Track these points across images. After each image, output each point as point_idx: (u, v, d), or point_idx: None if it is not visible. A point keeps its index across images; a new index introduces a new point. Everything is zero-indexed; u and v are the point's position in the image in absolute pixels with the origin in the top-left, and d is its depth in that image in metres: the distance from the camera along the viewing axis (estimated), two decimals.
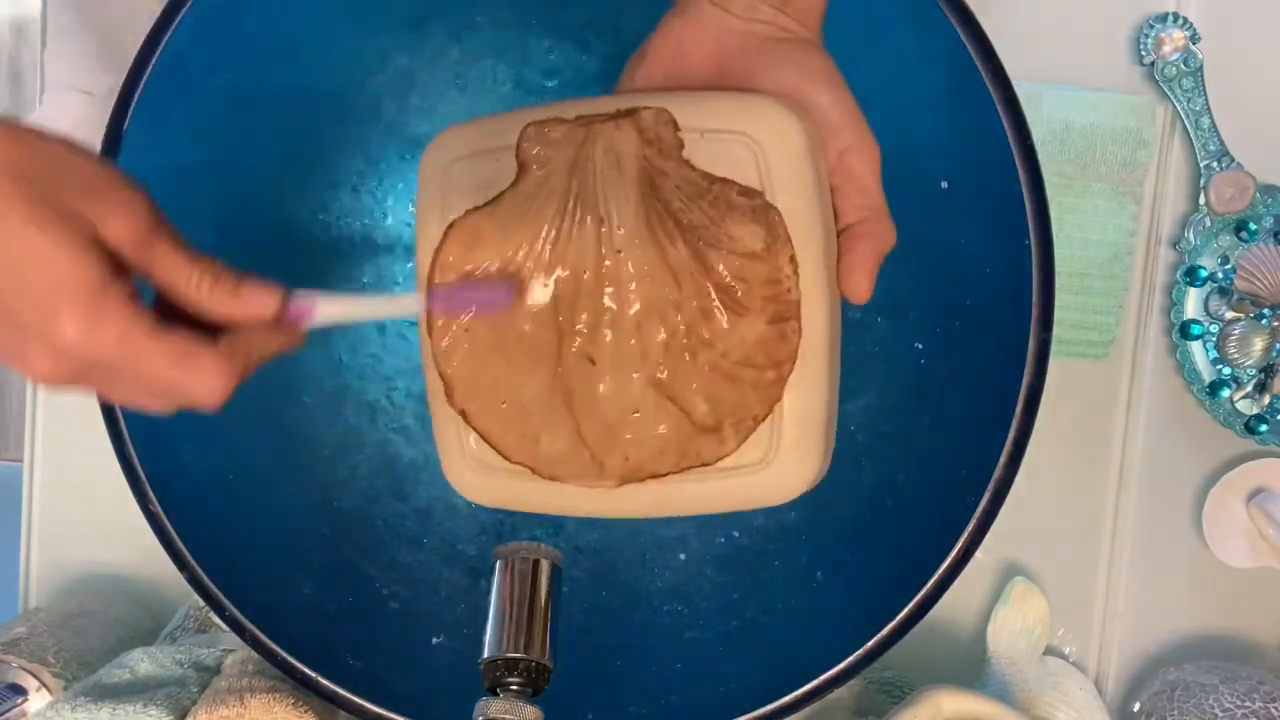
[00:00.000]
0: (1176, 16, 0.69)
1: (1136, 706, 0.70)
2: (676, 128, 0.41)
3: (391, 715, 0.59)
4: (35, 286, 0.36)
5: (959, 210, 0.60)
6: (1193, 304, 0.70)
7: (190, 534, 0.59)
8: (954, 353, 0.61)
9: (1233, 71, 0.70)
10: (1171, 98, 0.70)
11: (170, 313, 0.39)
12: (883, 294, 0.64)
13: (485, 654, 0.43)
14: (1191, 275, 0.70)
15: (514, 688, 0.43)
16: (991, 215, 0.59)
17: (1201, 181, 0.70)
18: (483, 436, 0.44)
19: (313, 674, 0.59)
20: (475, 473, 0.45)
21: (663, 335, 0.41)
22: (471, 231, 0.42)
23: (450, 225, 0.43)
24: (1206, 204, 0.70)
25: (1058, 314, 0.57)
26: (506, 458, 0.44)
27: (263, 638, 0.59)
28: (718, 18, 0.44)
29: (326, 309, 0.41)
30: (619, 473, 0.42)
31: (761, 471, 0.42)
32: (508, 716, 0.42)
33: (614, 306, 0.41)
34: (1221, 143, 0.69)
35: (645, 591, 0.65)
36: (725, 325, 0.41)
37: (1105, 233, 0.70)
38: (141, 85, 0.58)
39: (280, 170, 0.64)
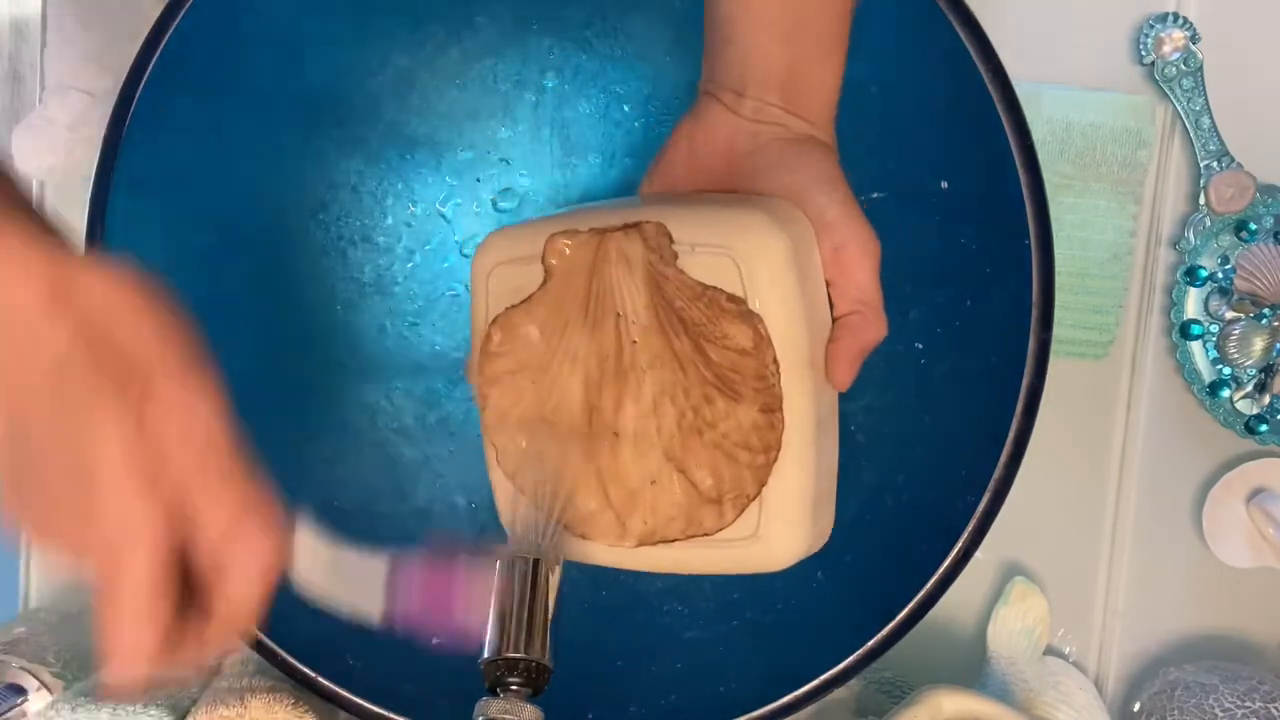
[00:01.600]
0: (1176, 16, 0.69)
1: (1136, 706, 0.70)
2: (671, 240, 0.46)
3: (391, 715, 0.59)
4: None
5: (959, 210, 0.60)
6: (1193, 304, 0.70)
7: None
8: (954, 353, 0.61)
9: (1233, 71, 0.70)
10: (1171, 98, 0.70)
11: None
12: (883, 293, 0.64)
13: (485, 654, 0.43)
14: (1191, 275, 0.70)
15: (514, 688, 0.43)
16: (991, 215, 0.59)
17: (1201, 181, 0.70)
18: (499, 461, 0.50)
19: (313, 674, 0.59)
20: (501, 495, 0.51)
21: (674, 414, 0.47)
22: (510, 326, 0.49)
23: (494, 321, 0.49)
24: (1206, 204, 0.70)
25: (1058, 314, 0.57)
26: (546, 515, 0.49)
27: (263, 638, 0.59)
28: (727, 119, 0.47)
29: (301, 559, 0.41)
30: (638, 534, 0.48)
31: (752, 544, 0.47)
32: (508, 716, 0.42)
33: (635, 385, 0.47)
34: (1221, 143, 0.69)
35: (645, 591, 0.65)
36: (724, 409, 0.46)
37: (1105, 233, 0.70)
38: (141, 85, 0.58)
39: (280, 170, 0.64)
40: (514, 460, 0.50)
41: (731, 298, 0.46)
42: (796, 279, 0.46)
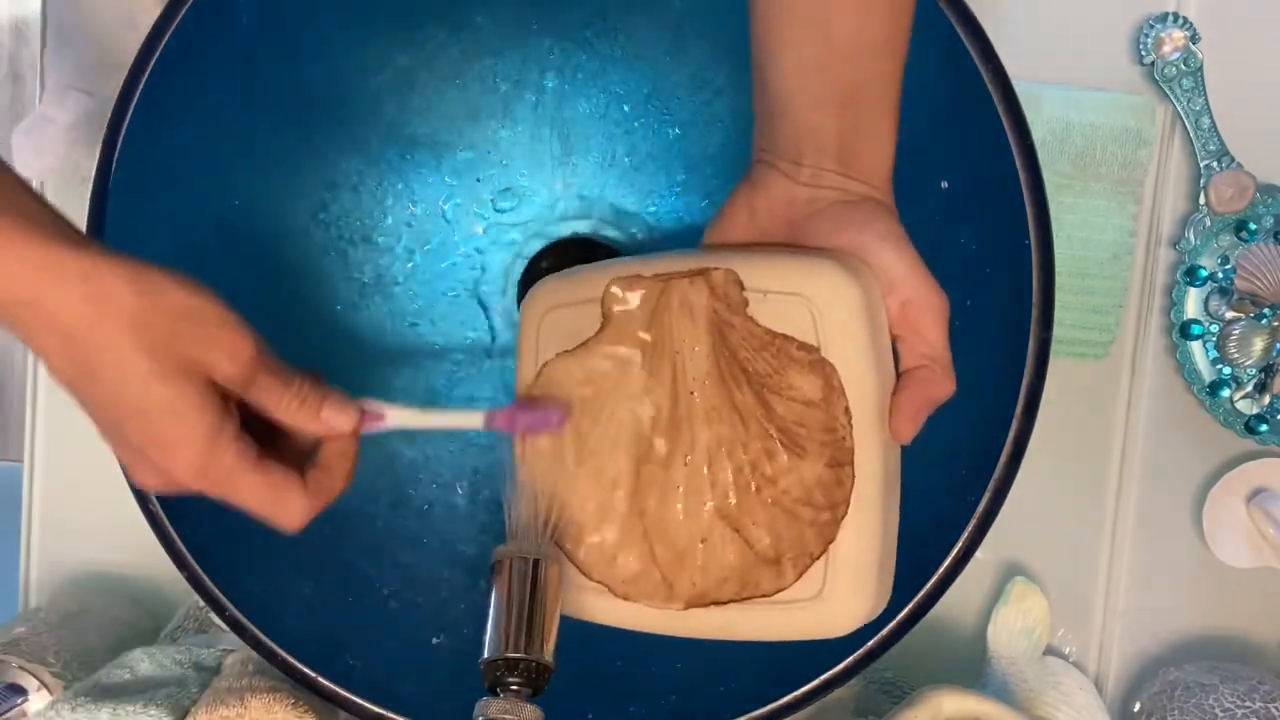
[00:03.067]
0: (1176, 16, 0.69)
1: (1136, 706, 0.70)
2: (742, 287, 0.45)
3: (391, 715, 0.59)
4: (154, 431, 0.41)
5: (959, 210, 0.60)
6: (1193, 304, 0.70)
7: (190, 534, 0.59)
8: (954, 353, 0.61)
9: (1233, 71, 0.70)
10: (1171, 98, 0.70)
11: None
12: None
13: (485, 654, 0.43)
14: (1191, 275, 0.70)
15: (514, 688, 0.43)
16: (991, 215, 0.59)
17: (1201, 181, 0.70)
18: (565, 554, 0.48)
19: (313, 674, 0.59)
20: (576, 590, 0.49)
21: (730, 469, 0.45)
22: (561, 372, 0.48)
23: (543, 366, 0.48)
24: (1206, 204, 0.70)
25: (1058, 314, 0.57)
26: (586, 575, 0.48)
27: (263, 638, 0.59)
28: (786, 186, 0.47)
29: (395, 418, 0.46)
30: (686, 596, 0.46)
31: (815, 607, 0.45)
32: (508, 716, 0.42)
33: (689, 439, 0.45)
34: (1221, 143, 0.69)
35: None
36: (786, 464, 0.44)
37: (1105, 233, 0.70)
38: (141, 85, 0.58)
39: (280, 170, 0.64)
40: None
41: (803, 345, 0.44)
42: (869, 329, 0.45)
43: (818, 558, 0.44)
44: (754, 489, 0.45)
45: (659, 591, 0.46)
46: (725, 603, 0.45)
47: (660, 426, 0.46)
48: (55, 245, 0.38)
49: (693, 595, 0.46)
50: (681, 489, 0.45)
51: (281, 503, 0.44)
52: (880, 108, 0.46)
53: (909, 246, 0.46)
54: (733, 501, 0.45)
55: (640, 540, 0.46)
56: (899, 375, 0.46)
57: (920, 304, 0.46)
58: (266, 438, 0.44)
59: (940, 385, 0.46)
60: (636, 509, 0.46)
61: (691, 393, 0.45)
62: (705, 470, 0.45)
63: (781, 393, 0.44)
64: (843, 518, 0.44)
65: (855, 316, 0.44)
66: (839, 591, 0.44)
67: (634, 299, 0.46)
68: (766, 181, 0.47)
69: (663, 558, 0.46)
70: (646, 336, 0.46)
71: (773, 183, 0.47)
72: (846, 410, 0.44)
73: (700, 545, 0.45)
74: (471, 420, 0.47)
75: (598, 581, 0.47)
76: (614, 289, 0.47)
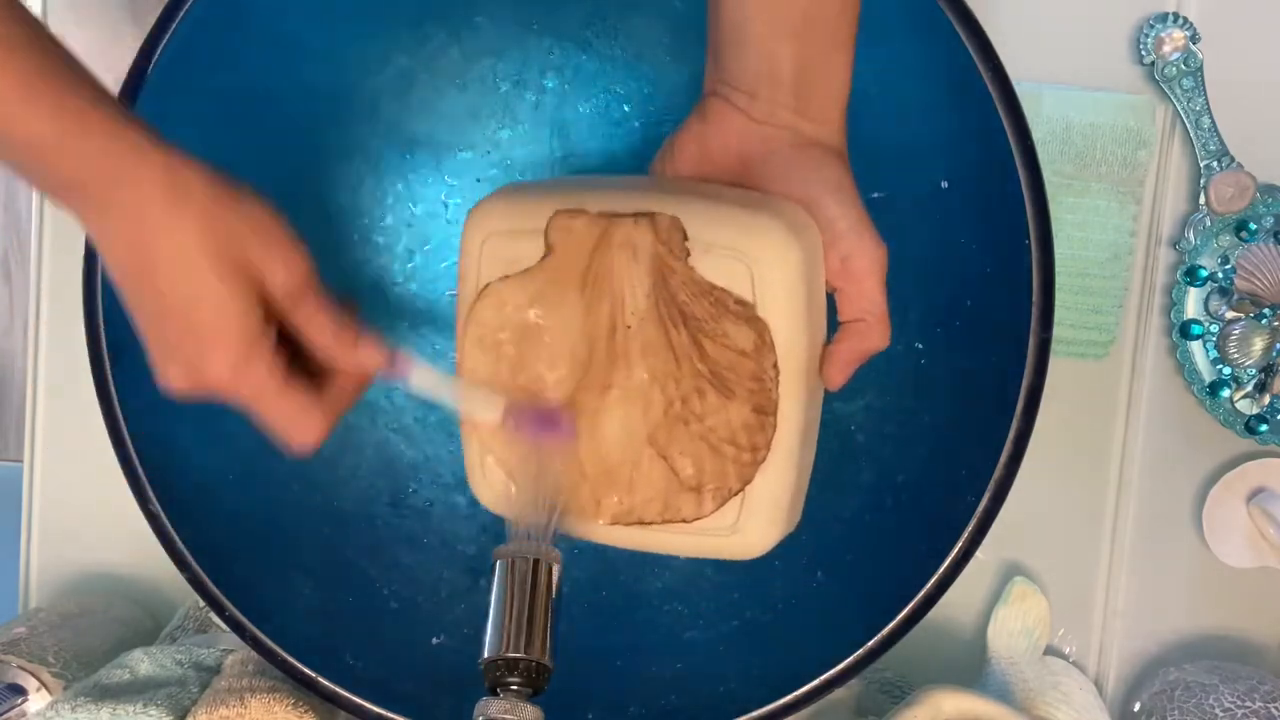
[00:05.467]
0: (1176, 16, 0.69)
1: (1136, 706, 0.70)
2: (685, 236, 0.46)
3: (391, 715, 0.59)
4: (198, 324, 0.42)
5: (959, 210, 0.60)
6: (1193, 304, 0.70)
7: (190, 534, 0.59)
8: (954, 353, 0.61)
9: (1233, 71, 0.70)
10: (1171, 98, 0.70)
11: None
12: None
13: (485, 654, 0.43)
14: (1191, 275, 0.70)
15: (514, 688, 0.43)
16: (991, 215, 0.59)
17: (1201, 181, 0.70)
18: (497, 461, 0.50)
19: (313, 674, 0.59)
20: (491, 490, 0.51)
21: (662, 402, 0.47)
22: (502, 296, 0.48)
23: (485, 288, 0.48)
24: (1206, 204, 0.70)
25: (1058, 314, 0.57)
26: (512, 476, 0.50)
27: (263, 638, 0.59)
28: (739, 121, 0.47)
29: (419, 378, 0.47)
30: (611, 513, 0.48)
31: (729, 536, 0.48)
32: (508, 716, 0.42)
33: (624, 370, 0.47)
34: (1221, 143, 0.69)
35: (645, 591, 0.65)
36: (715, 403, 0.47)
37: (1105, 233, 0.70)
38: (142, 85, 0.57)
39: (280, 170, 0.64)
40: (512, 459, 0.50)
41: (740, 301, 0.46)
42: (806, 292, 0.46)
43: (736, 493, 0.47)
44: (683, 421, 0.47)
45: (588, 505, 0.48)
46: (647, 523, 0.48)
47: (598, 356, 0.47)
48: (139, 132, 0.40)
49: (619, 512, 0.48)
50: (616, 414, 0.47)
51: (299, 425, 0.44)
52: (836, 39, 0.46)
53: (855, 198, 0.47)
54: (663, 431, 0.47)
55: (573, 457, 0.48)
56: (838, 326, 0.48)
57: (860, 259, 0.47)
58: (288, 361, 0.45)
59: (876, 338, 0.47)
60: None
61: (629, 327, 0.47)
62: (639, 399, 0.47)
63: (715, 338, 0.46)
64: (762, 460, 0.47)
65: (793, 281, 0.46)
66: (752, 525, 0.48)
67: (578, 232, 0.47)
68: (719, 116, 0.47)
69: (593, 473, 0.48)
70: (588, 269, 0.47)
71: (726, 117, 0.47)
72: (775, 365, 0.46)
73: (630, 466, 0.48)
74: (489, 411, 0.48)
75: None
76: (557, 221, 0.47)
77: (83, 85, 0.40)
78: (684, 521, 0.48)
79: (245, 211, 0.42)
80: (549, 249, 0.47)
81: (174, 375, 0.43)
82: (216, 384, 0.42)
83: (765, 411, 0.46)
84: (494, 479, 0.50)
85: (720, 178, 0.49)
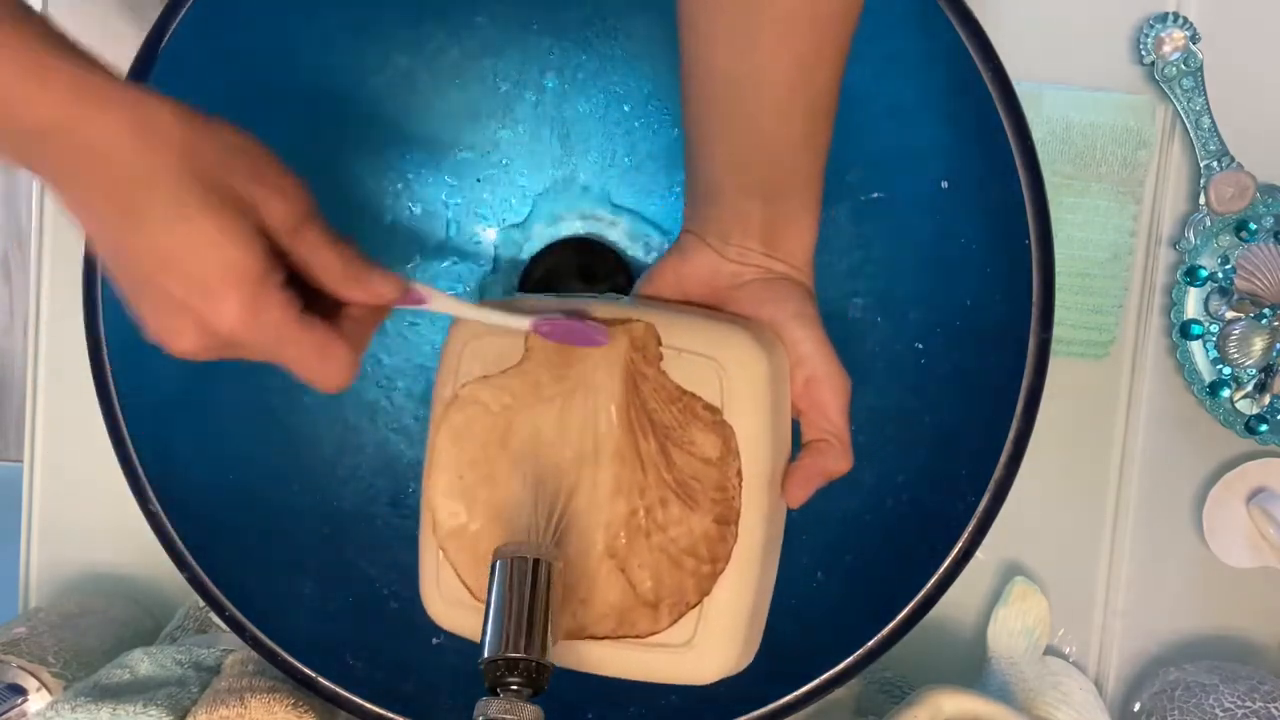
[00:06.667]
0: (1176, 16, 0.69)
1: (1136, 706, 0.70)
2: (659, 342, 0.47)
3: (391, 715, 0.59)
4: (198, 270, 0.38)
5: (959, 210, 0.60)
6: (1193, 304, 0.70)
7: (190, 534, 0.59)
8: (954, 353, 0.61)
9: (1233, 71, 0.70)
10: (1171, 98, 0.70)
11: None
12: (883, 294, 0.64)
13: (485, 654, 0.43)
14: (1191, 275, 0.70)
15: (514, 688, 0.42)
16: (991, 215, 0.59)
17: (1201, 181, 0.70)
18: (456, 572, 0.49)
19: (313, 674, 0.59)
20: (444, 602, 0.50)
21: (625, 512, 0.46)
22: (478, 395, 0.48)
23: (462, 386, 0.49)
24: (1206, 204, 0.70)
25: (1058, 314, 0.57)
26: (474, 595, 0.49)
27: (263, 638, 0.59)
28: (713, 259, 0.49)
29: (439, 303, 0.45)
30: (565, 629, 0.47)
31: (684, 654, 0.47)
32: (508, 716, 0.42)
33: (591, 476, 0.47)
34: (1221, 143, 0.69)
35: None
36: (678, 514, 0.46)
37: (1105, 233, 0.70)
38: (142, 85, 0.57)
39: None
40: (448, 533, 0.49)
41: (708, 406, 0.46)
42: (771, 398, 0.47)
43: (693, 606, 0.46)
44: (645, 534, 0.46)
45: None
46: (601, 638, 0.47)
47: (566, 461, 0.47)
48: (95, 73, 0.37)
49: (572, 628, 0.47)
50: (578, 523, 0.47)
51: (326, 364, 0.41)
52: (803, 199, 0.49)
53: (819, 327, 0.49)
54: (622, 541, 0.46)
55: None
56: (802, 446, 0.49)
57: (823, 382, 0.48)
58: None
59: (836, 460, 0.48)
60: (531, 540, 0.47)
61: (600, 433, 0.47)
62: (603, 508, 0.46)
63: (682, 446, 0.46)
64: (720, 572, 0.46)
65: (759, 385, 0.47)
66: (708, 641, 0.47)
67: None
68: (695, 252, 0.50)
69: None
70: (565, 374, 0.47)
71: (701, 255, 0.50)
72: (739, 473, 0.46)
73: (586, 580, 0.47)
74: (518, 323, 0.47)
75: (480, 601, 0.48)
76: (538, 326, 0.48)
77: (44, 37, 0.36)
78: (637, 637, 0.47)
79: (226, 140, 0.39)
80: (528, 352, 0.48)
81: (182, 336, 0.39)
82: (229, 334, 0.39)
83: (728, 521, 0.46)
84: (449, 592, 0.50)
85: (695, 303, 0.51)
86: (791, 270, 0.49)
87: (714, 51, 0.46)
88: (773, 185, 0.48)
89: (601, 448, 0.47)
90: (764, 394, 0.47)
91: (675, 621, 0.47)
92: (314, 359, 0.41)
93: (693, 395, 0.47)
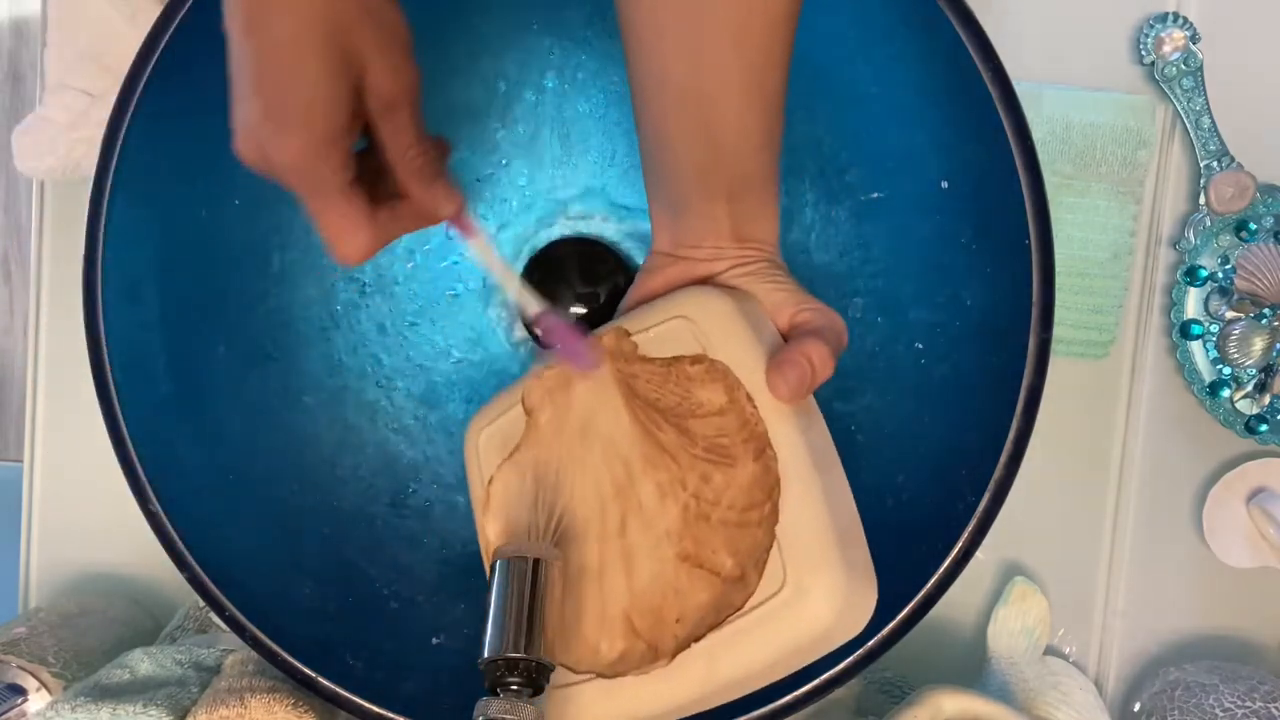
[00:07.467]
0: (1176, 16, 0.69)
1: (1136, 706, 0.70)
2: (629, 335, 0.49)
3: (391, 715, 0.59)
4: (286, 98, 0.40)
5: (959, 210, 0.60)
6: (1193, 304, 0.70)
7: (190, 534, 0.59)
8: (954, 353, 0.61)
9: (1233, 71, 0.70)
10: (1171, 98, 0.70)
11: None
12: (883, 294, 0.64)
13: (485, 654, 0.43)
14: (1191, 275, 0.70)
15: (514, 688, 0.42)
16: (992, 215, 0.59)
17: (1201, 181, 0.70)
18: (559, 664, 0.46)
19: (313, 674, 0.59)
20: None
21: (677, 511, 0.45)
22: (505, 479, 0.49)
23: (489, 480, 0.50)
24: (1206, 204, 0.70)
25: (1058, 314, 0.57)
26: (574, 670, 0.46)
27: (263, 638, 0.59)
28: (687, 267, 0.51)
29: (478, 245, 0.47)
30: (670, 650, 0.44)
31: (787, 599, 0.43)
32: (508, 716, 0.42)
33: (635, 497, 0.46)
34: (1221, 143, 0.69)
35: None
36: (723, 480, 0.45)
37: (1105, 233, 0.70)
38: (142, 85, 0.57)
39: None
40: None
41: (694, 359, 0.47)
42: (746, 320, 0.47)
43: (768, 549, 0.43)
44: (704, 517, 0.45)
45: (646, 658, 0.45)
46: (705, 634, 0.44)
47: (607, 500, 0.46)
48: None
49: (677, 646, 0.44)
50: (644, 549, 0.45)
51: (349, 234, 0.43)
52: (766, 191, 0.50)
53: (792, 278, 0.50)
54: (689, 540, 0.45)
55: (621, 621, 0.45)
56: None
57: (807, 311, 0.48)
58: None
59: (819, 330, 0.47)
60: (610, 588, 0.46)
61: (623, 451, 0.47)
62: (658, 523, 0.45)
63: (694, 414, 0.46)
64: (778, 498, 0.44)
65: (728, 314, 0.47)
66: (800, 570, 0.43)
67: (549, 380, 0.49)
68: (668, 266, 0.51)
69: (642, 626, 0.45)
70: (569, 418, 0.48)
71: (674, 267, 0.51)
72: (749, 397, 0.46)
73: (672, 594, 0.44)
74: (531, 304, 0.49)
75: (586, 673, 0.46)
76: (529, 384, 0.50)
77: None
78: (738, 610, 0.43)
79: (372, 3, 0.40)
80: (529, 415, 0.49)
81: (247, 145, 0.41)
82: (280, 166, 0.40)
83: (763, 449, 0.44)
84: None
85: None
86: (761, 250, 0.51)
87: (666, 66, 0.46)
88: (737, 186, 0.49)
89: (632, 464, 0.46)
90: (735, 318, 0.47)
91: (761, 575, 0.43)
92: (337, 228, 0.42)
93: (675, 359, 0.47)
